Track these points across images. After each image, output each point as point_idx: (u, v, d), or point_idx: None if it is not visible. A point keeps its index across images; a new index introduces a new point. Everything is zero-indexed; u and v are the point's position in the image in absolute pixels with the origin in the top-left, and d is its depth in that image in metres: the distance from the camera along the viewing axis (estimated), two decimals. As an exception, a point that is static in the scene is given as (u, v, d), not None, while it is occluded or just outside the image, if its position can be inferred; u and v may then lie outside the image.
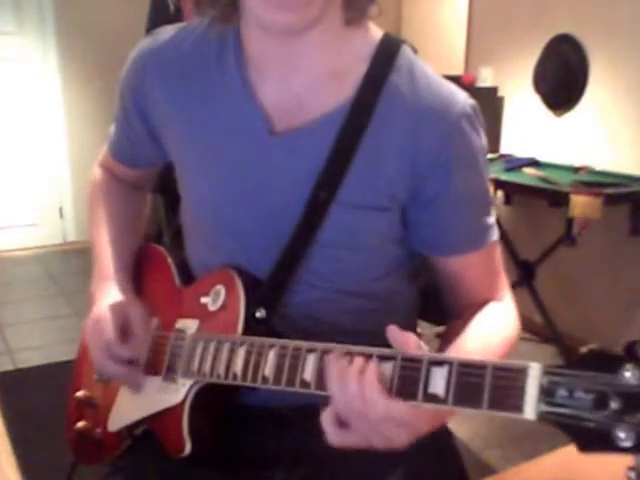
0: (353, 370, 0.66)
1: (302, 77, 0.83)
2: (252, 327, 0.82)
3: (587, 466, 0.88)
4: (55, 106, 4.29)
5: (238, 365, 0.76)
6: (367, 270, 0.89)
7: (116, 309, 0.91)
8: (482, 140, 0.85)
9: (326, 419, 0.68)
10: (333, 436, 0.68)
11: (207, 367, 0.80)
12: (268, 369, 0.73)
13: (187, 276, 0.98)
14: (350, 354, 0.68)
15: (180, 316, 0.91)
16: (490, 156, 3.18)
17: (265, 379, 0.74)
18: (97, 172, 1.10)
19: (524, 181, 2.77)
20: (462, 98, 0.83)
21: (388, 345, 0.67)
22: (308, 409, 0.75)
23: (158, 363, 0.90)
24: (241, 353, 0.77)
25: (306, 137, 0.83)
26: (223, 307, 0.85)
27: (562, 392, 0.53)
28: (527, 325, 3.37)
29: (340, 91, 0.83)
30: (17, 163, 4.30)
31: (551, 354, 2.94)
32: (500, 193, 3.09)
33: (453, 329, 0.87)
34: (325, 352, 0.69)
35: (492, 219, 0.90)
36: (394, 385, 0.64)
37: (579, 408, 0.52)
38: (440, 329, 0.98)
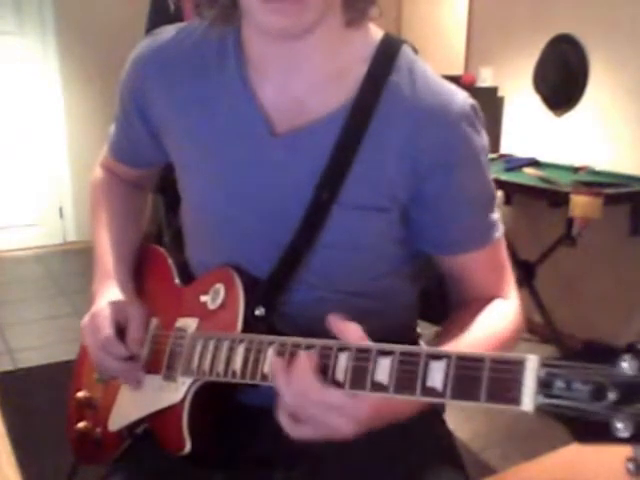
0: (291, 362, 0.69)
1: (302, 78, 0.83)
2: (251, 325, 0.82)
3: (587, 466, 0.88)
4: (55, 106, 4.29)
5: (237, 363, 0.77)
6: (367, 270, 0.89)
7: (115, 307, 0.92)
8: (483, 139, 0.85)
9: (280, 414, 0.71)
10: (289, 430, 0.71)
11: (206, 365, 0.81)
12: (267, 366, 0.73)
13: (187, 276, 0.98)
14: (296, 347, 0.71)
15: (180, 315, 0.91)
16: (490, 156, 3.16)
17: (264, 376, 0.74)
18: (98, 172, 1.11)
19: (524, 181, 2.77)
20: (462, 98, 0.83)
21: None
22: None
23: (158, 362, 0.90)
24: (240, 351, 0.77)
25: (307, 138, 0.83)
26: (222, 305, 0.86)
27: (560, 384, 0.53)
28: (527, 325, 3.36)
29: (341, 92, 0.83)
30: (17, 163, 4.30)
31: (551, 354, 2.94)
32: (500, 193, 3.09)
33: (453, 323, 0.87)
34: (324, 348, 0.69)
35: (496, 215, 0.90)
36: (392, 380, 0.64)
37: (577, 399, 0.52)
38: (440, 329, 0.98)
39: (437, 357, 0.62)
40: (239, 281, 0.85)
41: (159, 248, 1.06)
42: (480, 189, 0.87)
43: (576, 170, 2.89)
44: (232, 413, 0.88)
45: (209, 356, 0.81)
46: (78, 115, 4.31)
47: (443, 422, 1.01)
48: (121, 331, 0.92)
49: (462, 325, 0.85)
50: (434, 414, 0.99)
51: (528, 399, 0.55)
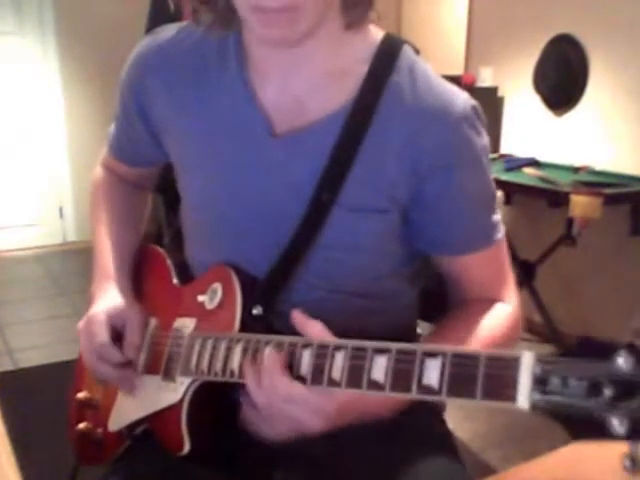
0: (263, 362, 0.72)
1: (303, 79, 0.83)
2: (249, 325, 0.82)
3: (587, 466, 0.88)
4: (55, 106, 4.29)
5: (235, 362, 0.77)
6: (367, 271, 0.89)
7: (111, 312, 0.91)
8: (484, 140, 0.85)
9: (248, 412, 0.74)
10: (257, 427, 0.74)
11: (205, 365, 0.81)
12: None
13: (186, 276, 0.98)
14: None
15: (178, 315, 0.91)
16: (490, 156, 3.17)
17: None
18: (99, 172, 1.11)
19: (524, 181, 2.77)
20: (463, 99, 0.83)
21: None
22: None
23: (157, 362, 0.90)
24: (238, 350, 0.77)
25: (307, 138, 0.83)
26: (220, 305, 0.86)
27: (555, 380, 0.53)
28: (527, 325, 3.36)
29: (341, 92, 0.82)
30: (17, 163, 4.30)
31: (550, 354, 2.93)
32: (500, 193, 3.09)
33: (449, 322, 0.88)
34: (321, 347, 0.69)
35: (497, 216, 0.90)
36: (389, 378, 0.64)
37: (572, 396, 0.52)
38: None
39: (432, 355, 0.62)
40: (236, 280, 0.84)
41: (158, 248, 1.06)
42: (481, 190, 0.87)
43: (576, 170, 2.89)
44: (231, 413, 0.88)
45: (207, 356, 0.81)
46: (78, 115, 4.31)
47: (443, 422, 1.01)
48: (118, 336, 0.92)
49: (457, 325, 0.86)
50: (434, 414, 0.99)
51: (523, 396, 0.55)
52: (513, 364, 0.56)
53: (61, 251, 4.40)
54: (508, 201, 3.24)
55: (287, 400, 0.70)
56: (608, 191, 2.48)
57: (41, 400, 2.46)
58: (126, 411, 0.95)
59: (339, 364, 0.67)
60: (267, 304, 0.84)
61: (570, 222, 2.52)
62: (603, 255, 2.93)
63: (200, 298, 0.88)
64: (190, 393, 0.84)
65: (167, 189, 1.05)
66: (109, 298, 0.94)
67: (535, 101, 3.21)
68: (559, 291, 3.13)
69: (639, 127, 2.79)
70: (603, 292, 2.95)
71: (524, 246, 3.07)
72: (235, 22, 0.82)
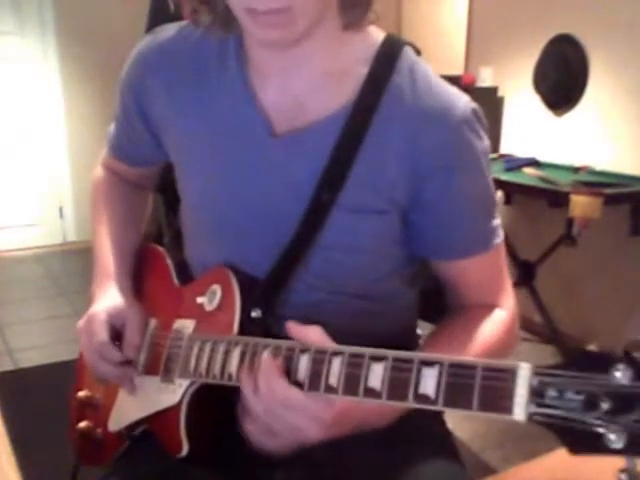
0: (260, 367, 0.71)
1: (302, 80, 0.83)
2: (248, 327, 0.82)
3: (586, 466, 0.88)
4: (55, 106, 4.29)
5: (233, 366, 0.76)
6: (367, 272, 0.89)
7: (112, 311, 0.91)
8: (484, 143, 0.84)
9: (252, 429, 0.74)
10: (254, 438, 0.74)
11: (203, 367, 0.80)
12: None
13: (186, 276, 0.98)
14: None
15: (178, 316, 0.91)
16: (490, 156, 3.17)
17: None
18: (99, 171, 1.11)
19: (524, 181, 2.77)
20: (463, 102, 0.82)
21: (388, 347, 0.67)
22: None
23: (156, 363, 0.90)
24: (236, 353, 0.77)
25: (307, 139, 0.83)
26: (219, 307, 0.85)
27: (552, 393, 0.53)
28: (527, 325, 3.37)
29: (341, 93, 0.82)
30: (17, 163, 4.30)
31: (550, 354, 2.94)
32: (500, 193, 3.09)
33: (445, 328, 0.88)
34: (319, 352, 0.69)
35: (497, 221, 0.89)
36: (385, 386, 0.64)
37: (569, 409, 0.52)
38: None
39: (429, 364, 0.61)
40: (235, 282, 0.84)
41: (158, 248, 1.06)
42: (480, 194, 0.87)
43: (576, 170, 2.89)
44: (230, 414, 0.88)
45: (205, 358, 0.80)
46: (78, 115, 4.31)
47: (443, 422, 1.01)
48: (117, 335, 0.92)
49: (455, 331, 0.86)
50: (433, 415, 0.99)
51: (520, 408, 0.54)
52: (510, 375, 0.55)
53: (61, 251, 4.40)
54: (508, 201, 3.24)
55: (285, 405, 0.69)
56: (608, 191, 2.48)
57: (41, 400, 2.46)
58: (126, 411, 0.95)
59: (336, 370, 0.67)
60: (266, 306, 0.84)
61: (570, 222, 2.52)
62: (603, 255, 2.93)
63: (199, 300, 0.88)
64: (188, 395, 0.83)
65: (167, 189, 1.05)
66: (109, 297, 0.94)
67: (535, 101, 3.21)
68: (559, 291, 3.13)
69: (639, 127, 2.78)
70: (603, 292, 2.95)
71: (524, 246, 3.07)
72: (235, 23, 0.81)
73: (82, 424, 1.01)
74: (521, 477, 0.96)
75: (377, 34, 0.86)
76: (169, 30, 0.93)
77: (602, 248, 2.91)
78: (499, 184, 2.80)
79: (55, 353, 2.86)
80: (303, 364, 0.70)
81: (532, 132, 3.27)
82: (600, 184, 2.58)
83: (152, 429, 0.90)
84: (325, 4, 0.76)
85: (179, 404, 0.84)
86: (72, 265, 4.13)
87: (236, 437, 0.88)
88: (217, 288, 0.86)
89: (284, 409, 0.69)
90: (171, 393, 0.85)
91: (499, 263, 0.91)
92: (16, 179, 4.32)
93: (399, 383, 0.63)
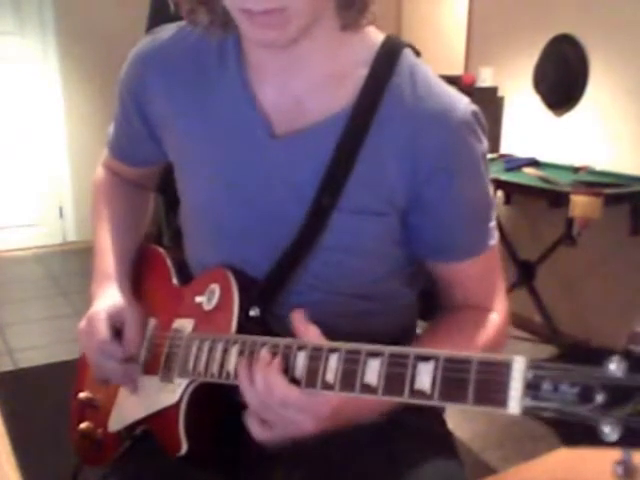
0: (258, 363, 0.71)
1: (302, 80, 0.83)
2: (246, 326, 0.82)
3: (586, 467, 0.88)
4: (55, 106, 4.29)
5: (231, 364, 0.77)
6: (366, 273, 0.89)
7: (111, 311, 0.92)
8: (483, 146, 0.84)
9: (249, 420, 0.73)
10: (254, 431, 0.73)
11: (202, 366, 0.81)
12: None
13: (186, 276, 0.98)
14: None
15: (177, 316, 0.91)
16: (490, 156, 3.16)
17: None
18: (100, 172, 1.11)
19: (524, 181, 2.77)
20: (463, 104, 0.82)
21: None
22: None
23: (155, 363, 0.90)
24: (234, 352, 0.77)
25: (307, 140, 0.83)
26: (217, 306, 0.86)
27: (547, 386, 0.53)
28: (527, 325, 3.37)
29: (341, 94, 0.82)
30: (17, 163, 4.30)
31: (550, 354, 2.94)
32: (500, 193, 3.09)
33: (436, 327, 0.90)
34: (316, 349, 0.69)
35: (493, 223, 0.90)
36: (381, 382, 0.64)
37: (564, 402, 0.52)
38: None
39: (425, 359, 0.62)
40: (234, 282, 0.84)
41: (158, 248, 1.06)
42: (478, 196, 0.87)
43: (576, 170, 2.89)
44: (230, 413, 0.88)
45: (204, 357, 0.81)
46: (78, 115, 4.31)
47: (443, 422, 1.01)
48: (118, 334, 0.92)
49: (446, 332, 0.87)
50: (434, 414, 0.99)
51: (514, 402, 0.54)
52: (505, 369, 0.55)
53: (61, 251, 4.40)
54: (508, 201, 3.24)
55: (282, 403, 0.70)
56: (608, 191, 2.48)
57: (41, 400, 2.47)
58: (126, 412, 0.95)
59: (333, 367, 0.67)
60: (264, 306, 0.84)
61: (570, 222, 2.52)
62: (603, 255, 2.93)
63: (198, 299, 0.88)
64: (188, 394, 0.84)
65: (167, 189, 1.05)
66: (108, 297, 0.94)
67: (535, 101, 3.21)
68: (559, 291, 3.13)
69: (639, 127, 2.78)
70: (603, 292, 2.95)
71: (524, 246, 3.07)
72: (233, 24, 0.81)
73: (83, 425, 1.02)
74: (521, 477, 0.96)
75: (376, 35, 0.85)
76: (168, 30, 0.92)
77: (602, 248, 2.91)
78: (499, 184, 2.80)
79: (55, 353, 2.86)
80: (300, 361, 0.70)
81: (532, 132, 3.27)
82: (600, 184, 2.58)
83: (152, 429, 0.91)
84: (321, 5, 0.76)
85: (178, 403, 0.84)
86: (72, 265, 4.13)
87: (235, 436, 0.88)
88: (216, 287, 0.86)
89: (281, 406, 0.70)
90: (170, 392, 0.85)
91: (493, 264, 0.91)
92: (16, 179, 4.32)
93: (395, 378, 0.63)
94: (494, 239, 0.90)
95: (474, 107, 0.83)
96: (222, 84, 0.87)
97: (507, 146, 3.37)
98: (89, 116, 4.26)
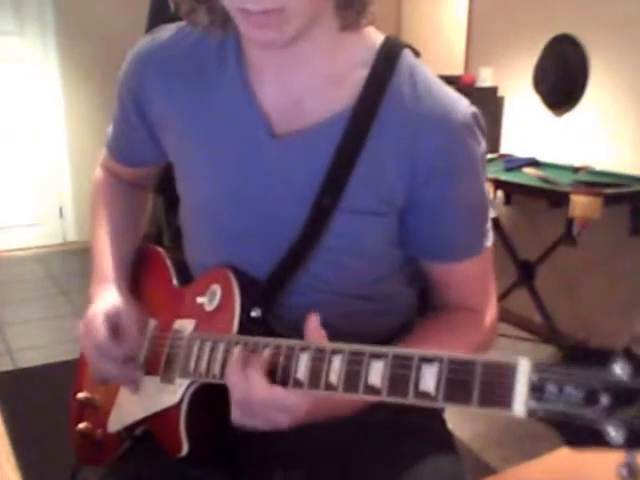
0: (241, 360, 0.73)
1: (301, 81, 0.83)
2: (247, 327, 0.82)
3: (587, 466, 0.88)
4: (55, 106, 4.29)
5: None
6: (367, 273, 0.89)
7: (110, 311, 0.91)
8: (482, 148, 0.84)
9: (233, 407, 0.75)
10: (236, 419, 0.75)
11: (203, 367, 0.81)
12: None
13: (186, 277, 0.98)
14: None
15: (177, 317, 0.91)
16: (490, 156, 3.18)
17: None
18: (99, 173, 1.10)
19: (524, 181, 2.77)
20: (463, 106, 0.82)
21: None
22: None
23: (156, 364, 0.90)
24: (236, 353, 0.77)
25: (307, 141, 0.82)
26: (219, 307, 0.85)
27: (552, 388, 0.53)
28: (527, 325, 3.37)
29: (341, 95, 0.82)
30: (17, 163, 4.30)
31: (550, 354, 2.94)
32: (500, 193, 3.09)
33: (426, 326, 0.90)
34: (319, 351, 0.69)
35: (489, 224, 0.90)
36: (385, 382, 0.64)
37: (569, 404, 0.52)
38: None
39: (429, 360, 0.62)
40: (235, 282, 0.84)
41: (158, 248, 1.06)
42: (476, 197, 0.87)
43: (576, 170, 2.89)
44: (230, 414, 0.88)
45: (205, 358, 0.81)
46: (78, 115, 4.31)
47: (443, 422, 1.01)
48: (116, 334, 0.92)
49: (437, 330, 0.88)
50: (434, 414, 0.99)
51: (520, 404, 0.54)
52: (510, 371, 0.56)
53: (61, 251, 4.40)
54: (508, 201, 3.24)
55: (261, 402, 0.71)
56: (608, 191, 2.48)
57: (41, 400, 2.47)
58: (126, 412, 0.95)
59: (336, 368, 0.67)
60: (266, 306, 0.84)
61: (570, 222, 2.52)
62: (603, 255, 2.93)
63: (199, 300, 0.88)
64: (188, 395, 0.84)
65: (167, 189, 1.05)
66: (107, 298, 0.94)
67: (535, 101, 3.21)
68: (559, 291, 3.13)
69: (639, 127, 2.79)
70: (603, 292, 2.95)
71: (524, 246, 3.07)
72: (232, 23, 0.81)
73: (82, 425, 1.02)
74: (521, 477, 0.96)
75: (376, 36, 0.85)
76: (167, 30, 0.92)
77: (602, 248, 2.91)
78: (499, 184, 2.80)
79: (55, 353, 2.86)
80: (303, 362, 0.70)
81: (532, 132, 3.27)
82: (600, 184, 2.58)
83: (152, 429, 0.90)
84: (319, 5, 0.76)
85: (179, 404, 0.84)
86: (72, 265, 4.13)
87: (235, 437, 0.88)
88: (217, 288, 0.86)
89: (260, 404, 0.71)
90: (171, 393, 0.85)
91: (487, 266, 0.92)
92: (16, 179, 4.32)
93: (399, 380, 0.63)
94: (490, 240, 0.90)
95: (473, 108, 0.83)
96: (222, 84, 0.86)
97: (507, 146, 3.37)
98: (89, 116, 4.26)
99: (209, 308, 0.87)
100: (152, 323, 0.95)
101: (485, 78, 3.47)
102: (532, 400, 0.54)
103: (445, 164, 0.81)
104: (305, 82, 0.83)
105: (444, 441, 0.97)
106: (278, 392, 0.70)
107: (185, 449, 0.83)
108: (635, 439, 0.50)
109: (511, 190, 3.00)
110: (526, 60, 3.20)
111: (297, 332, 0.75)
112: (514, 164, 3.00)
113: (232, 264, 0.87)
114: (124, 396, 0.96)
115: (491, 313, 0.92)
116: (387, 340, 0.81)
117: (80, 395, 1.04)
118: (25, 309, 3.50)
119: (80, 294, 3.44)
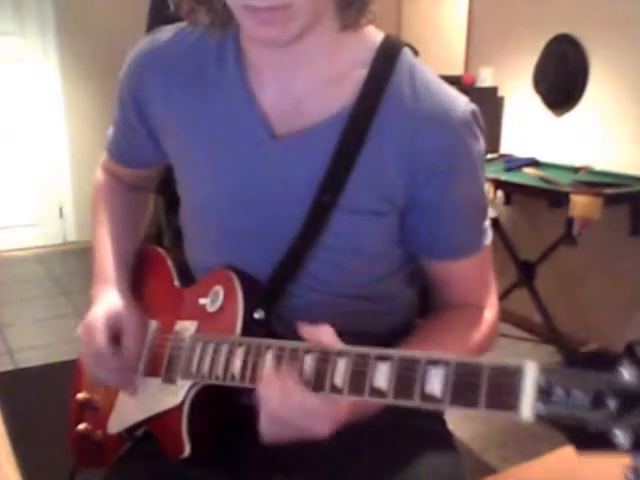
0: (275, 368, 0.71)
1: (301, 81, 0.83)
2: (251, 328, 0.82)
3: (586, 466, 0.88)
4: (55, 106, 4.29)
5: (236, 366, 0.76)
6: (367, 272, 0.89)
7: (110, 316, 0.91)
8: (481, 146, 0.85)
9: (263, 423, 0.71)
10: (267, 432, 0.72)
11: (206, 368, 0.80)
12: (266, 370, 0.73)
13: (187, 278, 0.98)
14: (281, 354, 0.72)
15: (179, 318, 0.91)
16: (490, 156, 3.18)
17: None
18: (99, 174, 1.10)
19: (524, 181, 2.77)
20: (463, 104, 0.82)
21: (388, 346, 0.67)
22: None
23: (157, 365, 0.90)
24: (239, 354, 0.77)
25: (307, 141, 0.82)
26: (221, 308, 0.85)
27: (559, 391, 0.53)
28: (527, 325, 3.37)
29: (340, 95, 0.82)
30: (17, 163, 4.30)
31: (551, 354, 2.94)
32: (500, 193, 3.09)
33: (429, 326, 0.90)
34: (324, 353, 0.69)
35: (487, 222, 0.90)
36: (391, 386, 0.64)
37: (576, 408, 0.52)
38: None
39: (435, 363, 0.61)
40: (238, 284, 0.84)
41: (159, 249, 1.06)
42: (475, 196, 0.88)
43: (576, 170, 2.89)
44: (232, 416, 0.88)
45: (208, 359, 0.80)
46: (78, 115, 4.31)
47: (443, 422, 1.01)
48: (116, 340, 0.91)
49: (440, 330, 0.88)
50: (434, 415, 0.99)
51: (527, 407, 0.54)
52: (517, 374, 0.55)
53: (61, 251, 4.40)
54: (508, 201, 3.24)
55: (300, 410, 0.69)
56: (608, 191, 2.48)
57: (41, 400, 2.46)
58: (126, 413, 0.95)
59: (341, 370, 0.67)
60: (269, 308, 0.84)
61: (570, 222, 2.52)
62: (603, 255, 2.93)
63: (201, 301, 0.88)
64: (191, 396, 0.83)
65: (167, 189, 1.05)
66: (107, 300, 0.94)
67: (535, 101, 3.21)
68: (559, 291, 3.13)
69: (639, 127, 2.78)
70: (603, 292, 2.95)
71: (524, 246, 3.07)
72: (233, 23, 0.81)
73: (81, 426, 1.01)
74: (521, 477, 0.96)
75: (375, 35, 0.85)
76: (167, 31, 0.92)
77: (602, 248, 2.91)
78: (499, 184, 2.80)
79: (55, 353, 2.86)
80: (308, 364, 0.70)
81: (532, 132, 3.27)
82: (600, 184, 2.58)
83: (153, 431, 0.90)
84: (322, 4, 0.76)
85: (181, 405, 0.84)
86: (72, 265, 4.13)
87: (237, 438, 0.88)
88: (219, 289, 0.86)
89: (298, 412, 0.69)
90: (173, 394, 0.85)
91: (487, 263, 0.92)
92: (16, 179, 4.32)
93: (405, 383, 0.63)
94: (489, 239, 0.91)
95: (473, 106, 0.83)
96: (221, 85, 0.86)
97: (507, 146, 3.37)
98: (89, 116, 4.26)
99: (211, 309, 0.86)
100: (153, 324, 0.95)
101: (485, 78, 3.47)
102: (539, 403, 0.54)
103: (445, 163, 0.81)
104: (305, 83, 0.83)
105: (444, 441, 0.97)
106: (314, 399, 0.68)
107: (187, 450, 0.83)
108: None
109: (511, 190, 3.00)
110: (526, 60, 3.20)
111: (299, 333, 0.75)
112: (514, 164, 3.00)
113: (232, 264, 0.87)
114: (124, 397, 0.96)
115: (493, 309, 0.92)
116: (388, 340, 0.81)
117: (80, 396, 1.03)
118: (25, 309, 3.49)
119: (80, 294, 3.44)
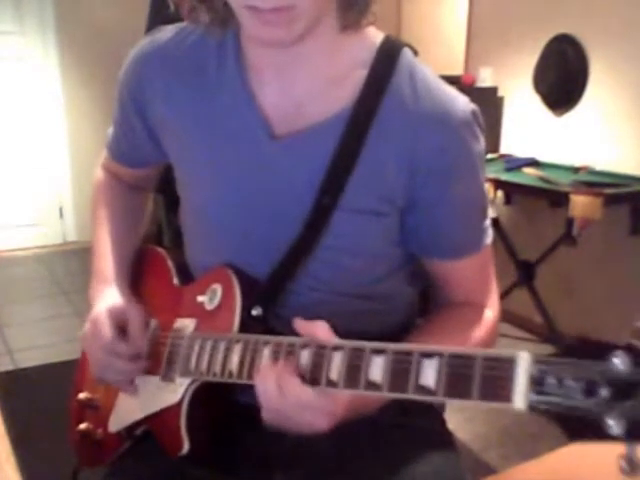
0: (271, 363, 0.71)
1: (301, 81, 0.83)
2: (248, 326, 0.82)
3: (586, 466, 0.88)
4: (55, 105, 4.29)
5: (234, 363, 0.77)
6: (367, 272, 0.89)
7: (113, 312, 0.92)
8: (481, 146, 0.85)
9: (266, 417, 0.73)
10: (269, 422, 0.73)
11: (204, 366, 0.81)
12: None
13: (186, 277, 0.98)
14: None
15: (178, 316, 0.91)
16: (490, 156, 3.18)
17: None
18: (99, 174, 1.10)
19: (524, 181, 2.77)
20: (463, 104, 0.82)
21: None
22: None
23: (157, 363, 0.90)
24: (237, 351, 0.77)
25: (307, 141, 0.83)
26: (220, 306, 0.86)
27: (551, 381, 0.53)
28: (527, 325, 3.37)
29: (341, 95, 0.82)
30: (17, 163, 4.30)
31: (550, 354, 2.94)
32: (500, 193, 3.09)
33: (430, 324, 0.90)
34: (320, 347, 0.69)
35: (488, 221, 0.90)
36: (386, 379, 0.64)
37: (569, 397, 0.52)
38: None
39: (429, 355, 0.62)
40: (236, 281, 0.84)
41: (158, 248, 1.06)
42: (476, 195, 0.88)
43: (576, 170, 2.90)
44: (231, 413, 0.88)
45: (206, 357, 0.81)
46: (78, 114, 4.31)
47: (443, 422, 1.01)
48: (122, 333, 0.92)
49: (441, 328, 0.88)
50: (434, 414, 0.99)
51: (520, 397, 0.55)
52: (510, 365, 0.56)
53: (61, 251, 4.41)
54: (508, 201, 3.24)
55: (297, 405, 0.69)
56: (608, 191, 2.49)
57: (41, 400, 2.47)
58: (126, 412, 0.95)
59: (337, 364, 0.67)
60: (267, 305, 0.84)
61: (570, 222, 2.52)
62: (603, 255, 2.93)
63: (200, 299, 0.88)
64: (189, 394, 0.84)
65: (167, 189, 1.05)
66: (109, 298, 0.94)
67: (535, 101, 3.21)
68: (559, 291, 3.13)
69: (639, 127, 2.79)
70: (603, 292, 2.95)
71: (524, 246, 3.07)
72: (233, 22, 0.81)
73: (82, 425, 1.02)
74: (521, 477, 0.96)
75: (375, 35, 0.85)
76: (167, 31, 0.92)
77: (602, 248, 2.91)
78: (499, 184, 2.81)
79: (55, 353, 2.86)
80: (304, 359, 0.70)
81: (532, 132, 3.27)
82: (600, 184, 2.58)
83: (152, 429, 0.91)
84: (325, 5, 0.76)
85: (180, 402, 0.84)
86: (72, 265, 4.13)
87: (236, 436, 0.88)
88: (218, 287, 0.86)
89: (295, 407, 0.70)
90: (172, 392, 0.86)
91: (488, 262, 0.92)
92: (16, 179, 4.32)
93: (400, 375, 0.63)
94: (489, 238, 0.91)
95: (473, 106, 0.83)
96: (221, 85, 0.86)
97: (507, 146, 3.37)
98: (89, 115, 4.27)
99: (210, 307, 0.87)
100: (153, 323, 0.95)
101: (485, 78, 3.47)
102: (532, 393, 0.54)
103: (445, 163, 0.82)
104: (305, 84, 0.83)
105: (444, 441, 0.97)
106: (311, 392, 0.69)
107: (186, 447, 0.83)
108: (635, 430, 0.50)
109: (511, 190, 3.00)
110: (526, 60, 3.20)
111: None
112: (514, 164, 3.00)
113: (232, 264, 0.87)
114: (124, 396, 0.96)
115: (494, 308, 0.92)
116: (388, 339, 0.81)
117: (81, 395, 1.04)
118: (25, 309, 3.50)
119: (80, 294, 3.44)
